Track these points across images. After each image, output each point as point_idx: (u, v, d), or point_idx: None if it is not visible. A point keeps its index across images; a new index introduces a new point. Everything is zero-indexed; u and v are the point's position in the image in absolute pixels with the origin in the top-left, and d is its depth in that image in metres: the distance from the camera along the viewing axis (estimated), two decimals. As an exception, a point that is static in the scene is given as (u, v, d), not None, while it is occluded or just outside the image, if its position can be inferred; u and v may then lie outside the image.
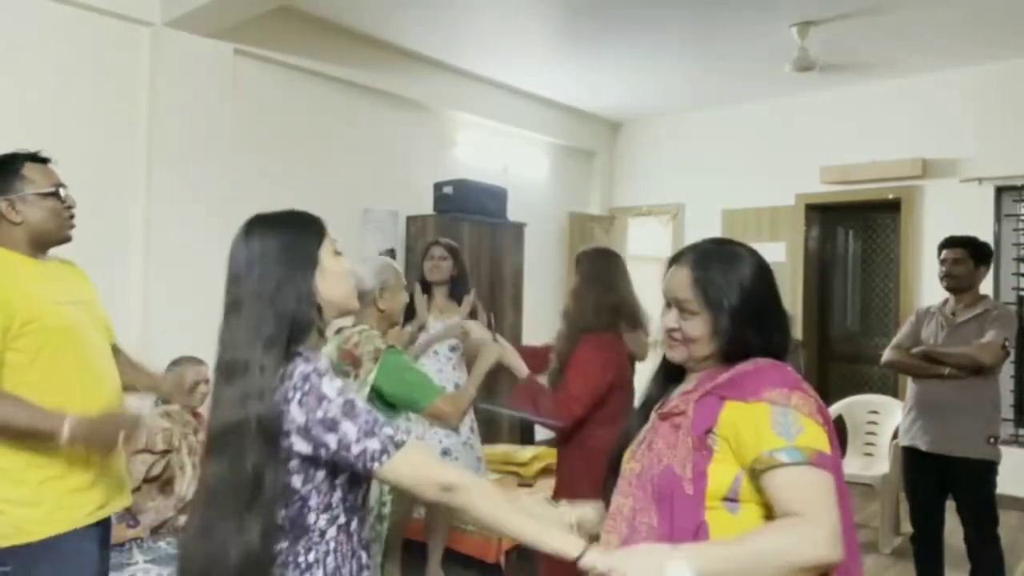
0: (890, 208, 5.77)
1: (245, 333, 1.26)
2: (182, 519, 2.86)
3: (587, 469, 2.19)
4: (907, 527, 3.47)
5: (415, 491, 1.29)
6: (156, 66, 3.93)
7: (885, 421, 4.75)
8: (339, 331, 2.43)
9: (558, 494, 2.47)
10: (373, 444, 1.23)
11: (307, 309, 1.31)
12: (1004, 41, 4.87)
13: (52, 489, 1.75)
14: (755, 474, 1.22)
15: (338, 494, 1.31)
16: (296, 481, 1.27)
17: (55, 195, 1.87)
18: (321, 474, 1.28)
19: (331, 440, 1.23)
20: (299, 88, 4.70)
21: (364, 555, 1.39)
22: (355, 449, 1.23)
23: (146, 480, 2.91)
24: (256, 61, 4.42)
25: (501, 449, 4.51)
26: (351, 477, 1.33)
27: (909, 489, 3.32)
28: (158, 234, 3.91)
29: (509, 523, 1.27)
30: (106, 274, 3.94)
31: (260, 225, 1.36)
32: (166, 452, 2.91)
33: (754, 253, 1.40)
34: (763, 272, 1.38)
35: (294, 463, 1.26)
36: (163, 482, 2.86)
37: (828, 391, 6.00)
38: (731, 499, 1.25)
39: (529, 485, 4.06)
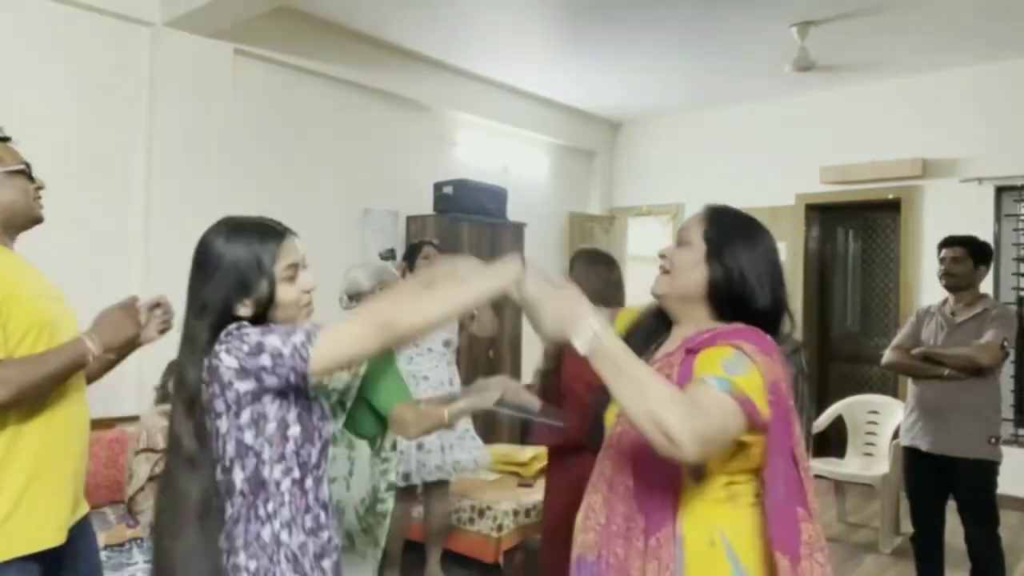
0: (890, 208, 5.77)
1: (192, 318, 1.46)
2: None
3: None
4: (907, 527, 3.47)
5: (359, 352, 1.34)
6: (156, 66, 3.93)
7: (885, 421, 4.75)
8: None
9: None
10: (298, 338, 1.30)
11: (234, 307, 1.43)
12: (1004, 41, 4.87)
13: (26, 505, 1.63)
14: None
15: (290, 446, 1.38)
16: (248, 437, 1.36)
17: (24, 173, 1.76)
18: (272, 426, 1.36)
19: (264, 360, 1.31)
20: (299, 88, 4.70)
21: (323, 515, 1.44)
22: (286, 351, 1.30)
23: (149, 479, 2.92)
24: (256, 61, 4.42)
25: (501, 449, 4.51)
26: (302, 420, 1.40)
27: (910, 489, 3.32)
28: (158, 234, 3.91)
29: (446, 303, 1.31)
30: (106, 274, 3.96)
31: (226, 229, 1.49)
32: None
33: (768, 233, 1.45)
34: (769, 248, 1.43)
35: (244, 415, 1.35)
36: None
37: (828, 391, 6.01)
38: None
39: (529, 485, 4.05)
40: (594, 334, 1.15)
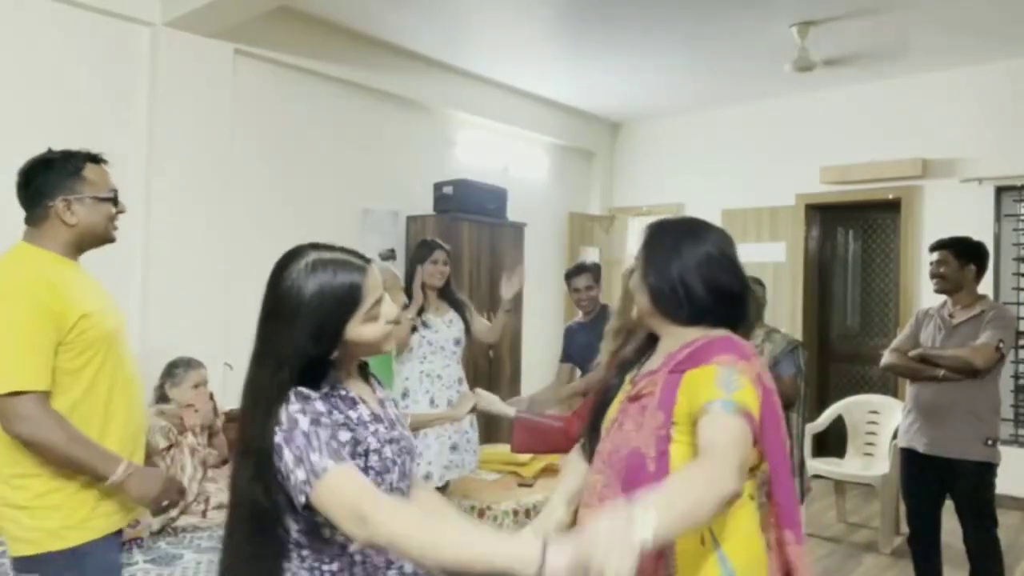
0: (890, 208, 5.77)
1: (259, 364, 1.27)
2: (183, 520, 2.86)
3: None
4: (907, 527, 3.47)
5: (339, 527, 1.18)
6: (156, 66, 3.93)
7: (885, 421, 4.75)
8: None
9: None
10: (299, 474, 1.17)
11: (325, 351, 1.28)
12: (1004, 41, 4.87)
13: (89, 494, 1.70)
14: (695, 422, 1.31)
15: (297, 526, 1.26)
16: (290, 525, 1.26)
17: (112, 200, 1.83)
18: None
19: (280, 466, 1.19)
20: (299, 88, 4.70)
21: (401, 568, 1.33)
22: (292, 480, 1.18)
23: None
24: (256, 61, 4.42)
25: (501, 449, 4.51)
26: None
27: (906, 490, 3.32)
28: (158, 233, 3.91)
29: (445, 551, 1.07)
30: (105, 273, 3.95)
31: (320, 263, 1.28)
32: (170, 448, 2.91)
33: (705, 231, 1.50)
34: (704, 246, 1.47)
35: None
36: (182, 508, 2.85)
37: (828, 391, 6.01)
38: None
39: (529, 485, 4.05)
40: (643, 540, 1.02)
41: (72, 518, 1.68)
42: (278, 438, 1.19)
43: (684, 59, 5.29)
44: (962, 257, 3.17)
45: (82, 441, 1.65)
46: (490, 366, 5.40)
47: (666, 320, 1.46)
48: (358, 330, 1.29)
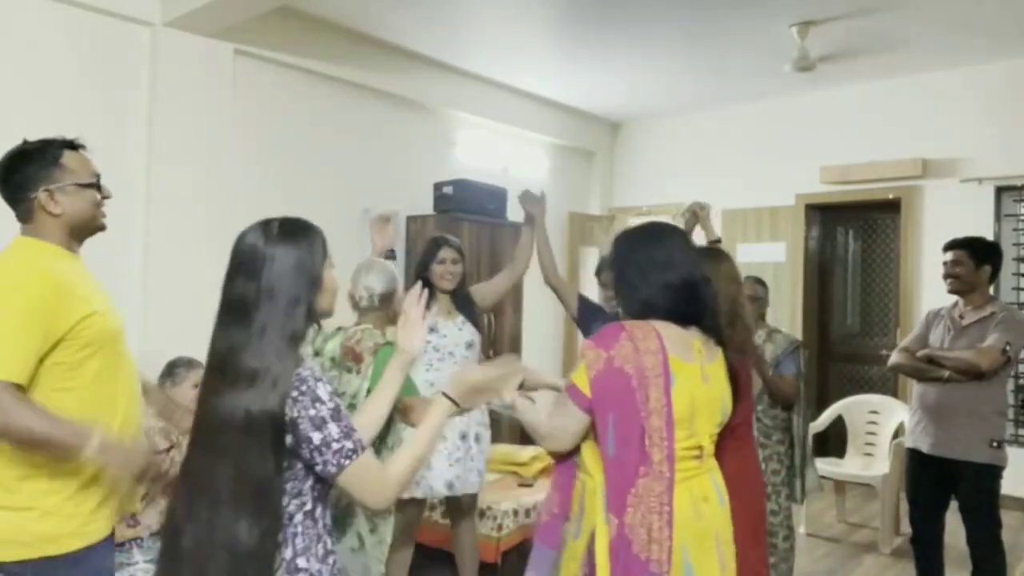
0: (890, 208, 5.77)
1: (257, 340, 1.34)
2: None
3: None
4: (907, 527, 3.47)
5: (360, 498, 1.39)
6: (156, 66, 3.93)
7: (885, 421, 4.75)
8: (338, 329, 2.45)
9: None
10: (348, 443, 1.35)
11: (309, 324, 1.42)
12: (1004, 41, 4.87)
13: (86, 497, 1.68)
14: None
15: (310, 481, 1.38)
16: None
17: (95, 186, 1.78)
18: (300, 463, 1.36)
19: (315, 437, 1.32)
20: (299, 88, 4.70)
21: (328, 540, 1.44)
22: (335, 447, 1.33)
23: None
24: (256, 61, 4.42)
25: (501, 449, 4.51)
26: None
27: (910, 491, 3.30)
28: (157, 233, 3.91)
29: (423, 445, 1.49)
30: (105, 274, 3.94)
31: (281, 233, 1.41)
32: (170, 449, 2.91)
33: (654, 235, 1.82)
34: (629, 243, 1.84)
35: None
36: (164, 483, 2.85)
37: (828, 391, 6.01)
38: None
39: (529, 485, 4.06)
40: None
41: (70, 524, 1.65)
42: (323, 412, 1.33)
43: (684, 59, 5.29)
44: (978, 258, 3.14)
45: (51, 418, 1.59)
46: (490, 366, 5.39)
47: (624, 315, 1.80)
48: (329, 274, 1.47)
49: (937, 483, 3.17)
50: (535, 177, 6.46)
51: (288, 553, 1.35)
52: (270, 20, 4.20)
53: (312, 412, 1.32)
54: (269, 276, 1.36)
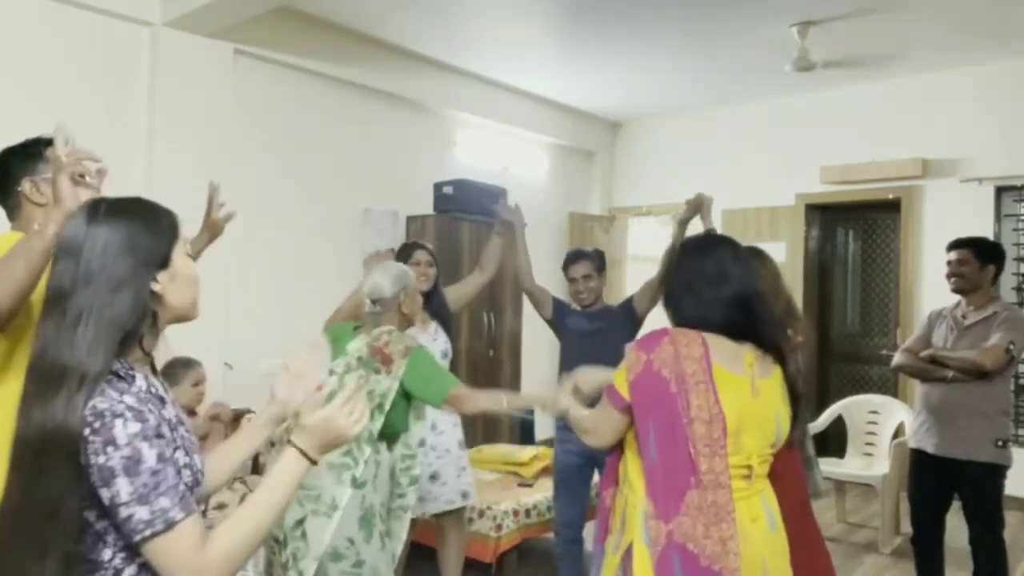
0: (890, 208, 5.76)
1: (69, 331, 1.08)
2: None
3: None
4: (907, 527, 3.46)
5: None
6: (156, 66, 3.93)
7: (885, 421, 4.74)
8: (355, 328, 2.45)
9: None
10: (142, 513, 1.04)
11: (142, 315, 1.14)
12: (1004, 41, 4.87)
13: None
14: None
15: None
16: (90, 515, 1.08)
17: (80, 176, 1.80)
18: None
19: (104, 494, 1.05)
20: (299, 88, 4.70)
21: None
22: (122, 513, 1.04)
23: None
24: (256, 61, 4.42)
25: (501, 449, 4.51)
26: None
27: (912, 491, 3.29)
28: (158, 234, 3.91)
29: (265, 513, 1.15)
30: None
31: (110, 211, 1.16)
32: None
33: (697, 240, 1.90)
34: (674, 258, 1.89)
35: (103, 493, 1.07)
36: None
37: (828, 391, 6.01)
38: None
39: (529, 485, 4.05)
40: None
41: None
42: (112, 462, 1.04)
43: (684, 59, 5.29)
44: (983, 257, 3.14)
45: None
46: (490, 366, 5.40)
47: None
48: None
49: (940, 484, 3.16)
50: (535, 177, 6.47)
51: None
52: (270, 20, 4.20)
53: (101, 460, 1.03)
54: (89, 257, 1.11)
